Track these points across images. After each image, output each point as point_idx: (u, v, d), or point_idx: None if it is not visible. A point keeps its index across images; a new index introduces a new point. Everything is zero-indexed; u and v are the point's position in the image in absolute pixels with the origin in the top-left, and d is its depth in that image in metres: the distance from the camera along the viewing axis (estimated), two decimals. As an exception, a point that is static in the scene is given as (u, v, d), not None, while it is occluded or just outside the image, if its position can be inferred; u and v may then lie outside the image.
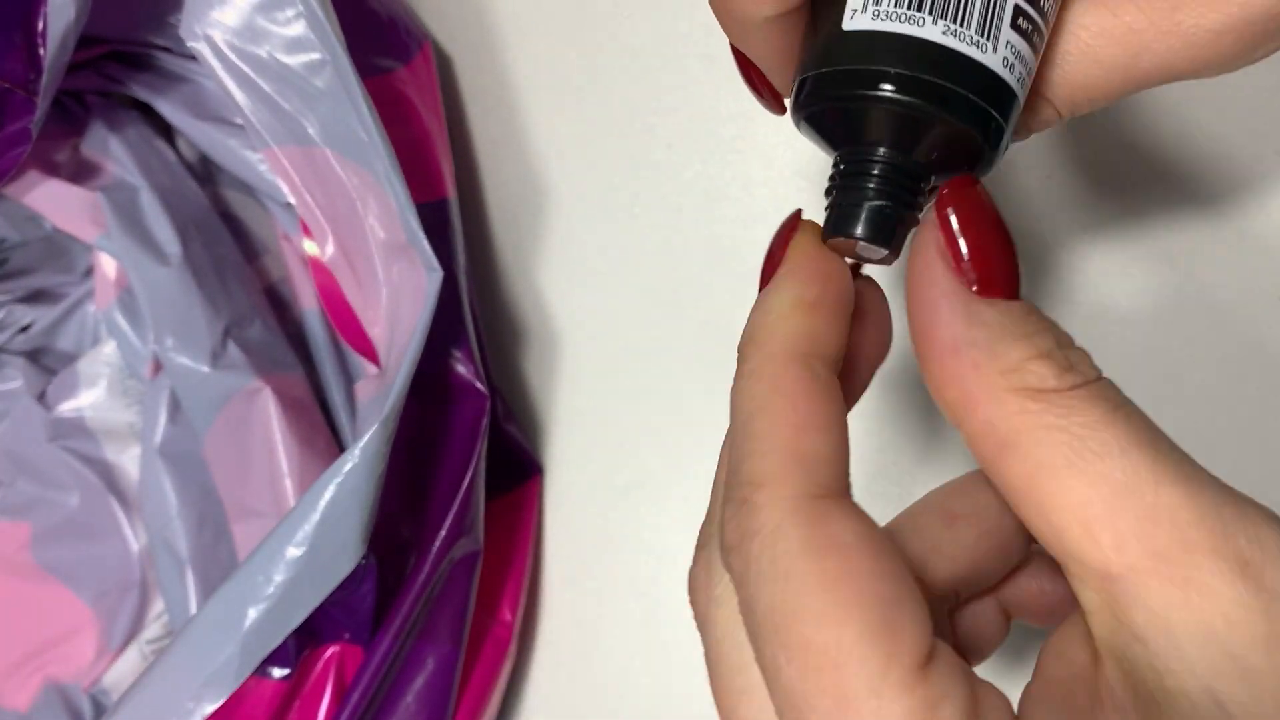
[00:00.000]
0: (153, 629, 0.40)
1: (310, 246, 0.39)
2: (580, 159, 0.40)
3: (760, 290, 0.23)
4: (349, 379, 0.40)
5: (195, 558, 0.38)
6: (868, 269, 0.22)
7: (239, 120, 0.37)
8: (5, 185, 0.38)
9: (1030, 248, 0.34)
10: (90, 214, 0.38)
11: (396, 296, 0.36)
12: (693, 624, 0.34)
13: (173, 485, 0.38)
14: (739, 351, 0.20)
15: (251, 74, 0.36)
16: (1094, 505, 0.16)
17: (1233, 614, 0.15)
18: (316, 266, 0.39)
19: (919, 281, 0.19)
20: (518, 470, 0.39)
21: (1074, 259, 0.33)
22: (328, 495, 0.32)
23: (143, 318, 0.38)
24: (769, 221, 0.37)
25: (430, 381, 0.36)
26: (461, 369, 0.37)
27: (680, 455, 0.38)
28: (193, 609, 0.38)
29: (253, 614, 0.32)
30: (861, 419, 0.36)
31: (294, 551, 0.32)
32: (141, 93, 0.39)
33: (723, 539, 0.18)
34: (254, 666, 0.33)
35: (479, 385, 0.36)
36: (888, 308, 0.22)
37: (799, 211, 0.23)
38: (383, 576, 0.35)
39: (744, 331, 0.21)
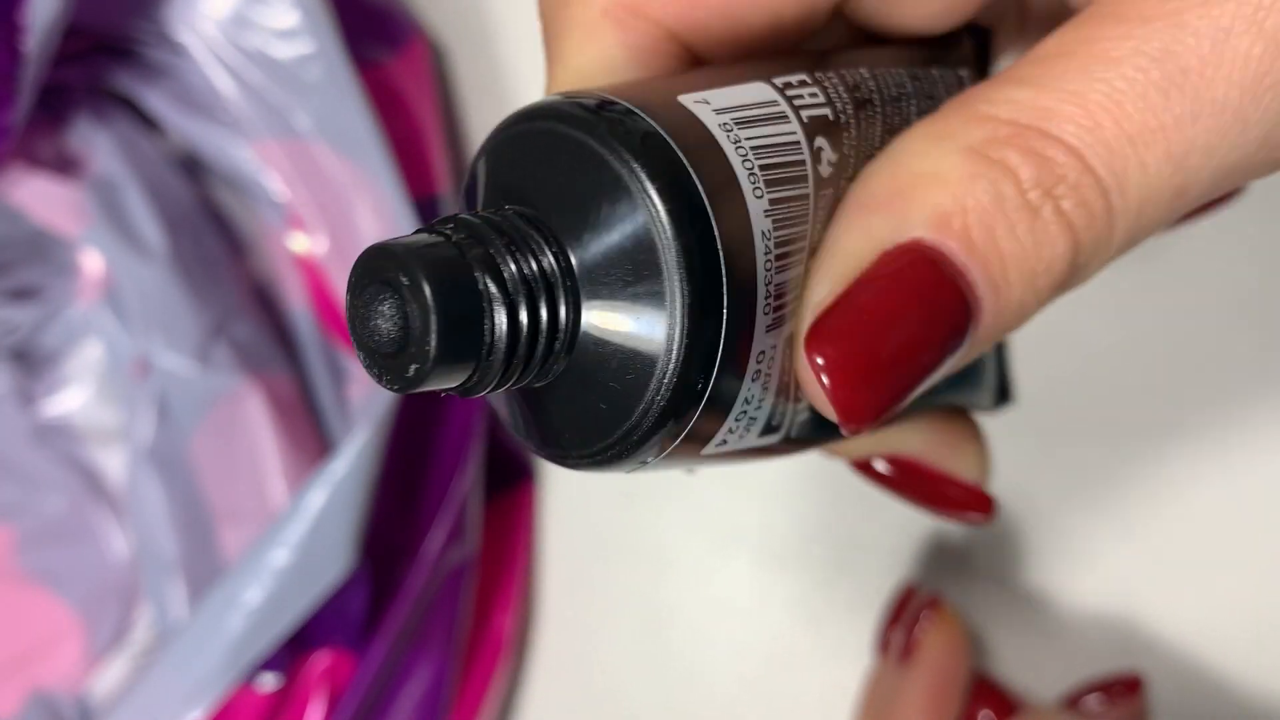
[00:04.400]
0: (139, 635, 0.40)
1: (300, 243, 0.39)
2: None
3: (881, 650, 0.31)
4: (339, 379, 0.40)
5: (182, 562, 0.38)
6: None
7: (227, 114, 0.37)
8: (-12, 181, 0.37)
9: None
10: (75, 210, 0.38)
11: (389, 294, 0.36)
12: (694, 631, 0.33)
13: (160, 488, 0.38)
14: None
15: (241, 66, 0.36)
16: None
17: None
18: (306, 264, 0.39)
19: None
20: (511, 474, 0.39)
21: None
22: (318, 499, 0.32)
23: (129, 316, 0.38)
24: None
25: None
26: (456, 369, 0.36)
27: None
28: (180, 614, 0.38)
29: (241, 621, 0.32)
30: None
31: (283, 557, 0.32)
32: (127, 86, 0.39)
33: None
34: (243, 674, 0.33)
35: (474, 386, 0.36)
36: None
37: (936, 597, 0.30)
38: (375, 582, 0.34)
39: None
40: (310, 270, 0.39)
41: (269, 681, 0.34)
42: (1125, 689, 0.31)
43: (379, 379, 0.13)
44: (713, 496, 0.37)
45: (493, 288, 0.13)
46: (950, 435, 0.20)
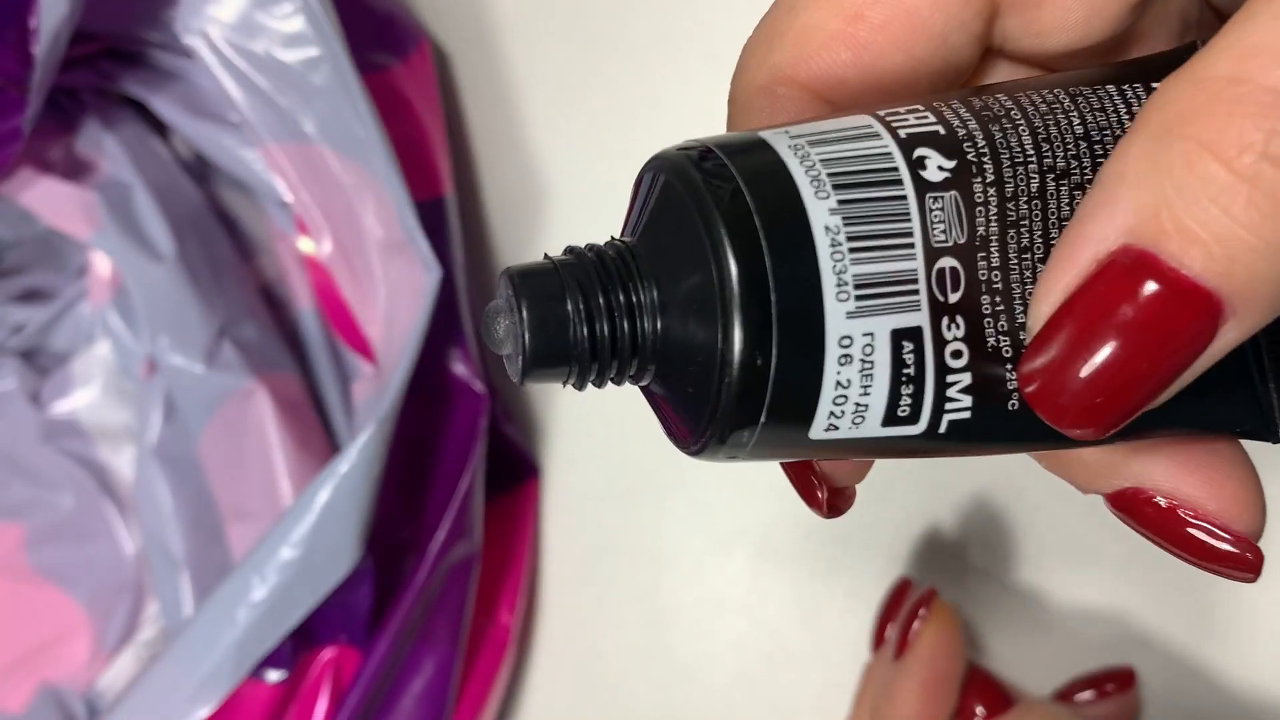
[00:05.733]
0: (147, 631, 0.40)
1: (306, 245, 0.39)
2: (580, 156, 0.39)
3: (877, 644, 0.32)
4: (345, 379, 0.40)
5: (190, 560, 0.38)
6: None
7: (235, 118, 0.37)
8: (-2, 183, 0.38)
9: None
10: (84, 212, 0.38)
11: (394, 295, 0.36)
12: (692, 628, 0.33)
13: (167, 486, 0.38)
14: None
15: (248, 70, 0.36)
16: None
17: None
18: (312, 265, 0.39)
19: None
20: (515, 471, 0.39)
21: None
22: (324, 496, 0.32)
23: (137, 317, 0.38)
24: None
25: (428, 381, 0.36)
26: (459, 369, 0.37)
27: (681, 458, 0.38)
28: (187, 611, 0.38)
29: (248, 617, 0.33)
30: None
31: (289, 553, 0.32)
32: (136, 90, 0.39)
33: None
34: (249, 669, 0.33)
35: (477, 385, 0.36)
36: None
37: (932, 592, 0.30)
38: (380, 578, 0.35)
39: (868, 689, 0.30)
40: (317, 271, 0.39)
41: (275, 677, 0.34)
42: (1118, 683, 0.31)
43: (510, 373, 0.17)
44: (713, 495, 0.37)
45: (578, 308, 0.17)
46: (1208, 465, 0.17)
